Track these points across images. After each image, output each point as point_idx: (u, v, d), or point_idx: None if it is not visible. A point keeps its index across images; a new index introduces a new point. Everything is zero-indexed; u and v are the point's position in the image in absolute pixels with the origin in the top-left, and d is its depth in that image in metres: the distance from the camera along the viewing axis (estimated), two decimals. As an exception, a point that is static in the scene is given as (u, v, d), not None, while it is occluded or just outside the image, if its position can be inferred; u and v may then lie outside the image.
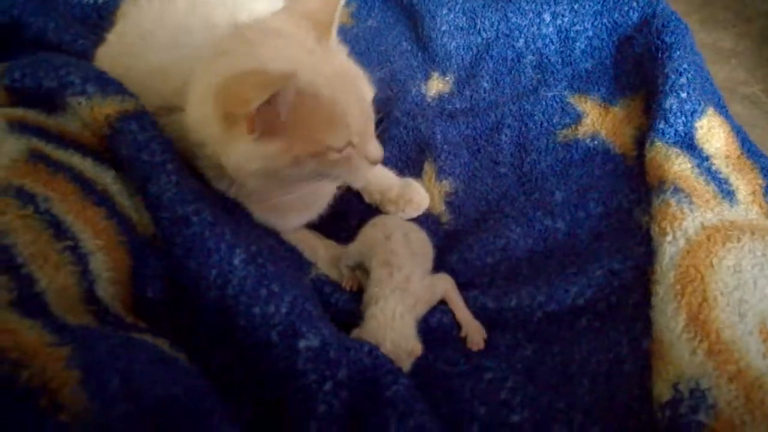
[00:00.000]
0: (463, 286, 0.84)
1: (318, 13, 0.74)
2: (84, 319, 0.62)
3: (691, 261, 0.73)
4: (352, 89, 0.73)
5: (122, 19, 1.03)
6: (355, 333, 0.76)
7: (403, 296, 0.77)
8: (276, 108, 0.65)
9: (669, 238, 0.76)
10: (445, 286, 0.82)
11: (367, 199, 0.98)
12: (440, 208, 0.96)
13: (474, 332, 0.79)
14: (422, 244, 0.86)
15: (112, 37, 1.00)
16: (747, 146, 0.92)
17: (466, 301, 0.81)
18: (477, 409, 0.73)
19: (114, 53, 0.97)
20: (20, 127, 0.74)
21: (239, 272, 0.69)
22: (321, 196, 0.91)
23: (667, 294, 0.72)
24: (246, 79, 0.66)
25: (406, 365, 0.74)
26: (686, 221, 0.77)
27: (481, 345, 0.78)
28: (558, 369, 0.75)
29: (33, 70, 0.79)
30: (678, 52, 0.98)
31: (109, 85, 0.79)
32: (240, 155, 0.70)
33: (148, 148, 0.73)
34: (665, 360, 0.68)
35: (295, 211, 0.90)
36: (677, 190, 0.81)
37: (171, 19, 0.94)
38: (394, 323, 0.75)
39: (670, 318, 0.70)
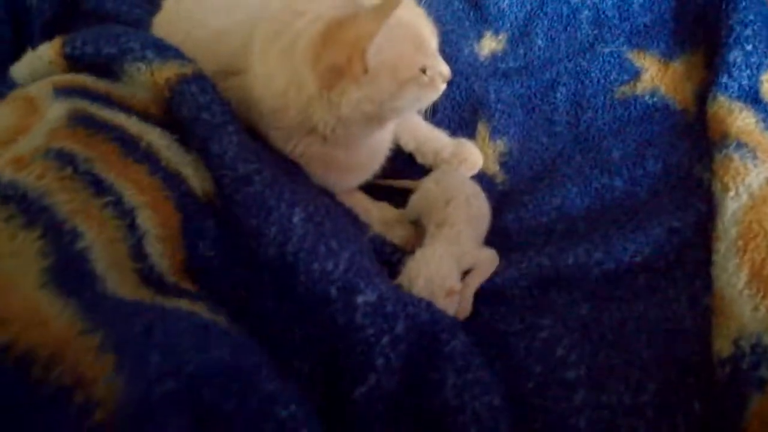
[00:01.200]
0: (519, 246, 0.85)
1: None
2: (128, 278, 0.62)
3: (754, 216, 0.72)
4: (418, 12, 0.78)
5: None
6: (398, 280, 0.77)
7: (449, 245, 0.78)
8: (380, 44, 0.68)
9: (731, 193, 0.74)
10: (488, 259, 0.82)
11: (419, 160, 0.99)
12: (494, 168, 0.96)
13: (464, 307, 0.79)
14: (481, 210, 0.87)
15: (168, 4, 1.02)
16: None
17: (522, 261, 0.81)
18: (532, 366, 0.73)
19: (171, 20, 0.99)
20: (65, 92, 0.75)
21: (299, 230, 0.71)
22: (377, 153, 0.92)
23: (729, 250, 0.70)
24: (348, 23, 0.68)
25: (443, 304, 0.74)
26: (750, 176, 0.75)
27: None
28: (615, 327, 0.74)
29: (93, 39, 0.82)
30: (743, 3, 0.94)
31: (167, 50, 0.81)
32: (351, 103, 0.73)
33: (209, 109, 0.75)
34: (726, 316, 0.67)
35: (352, 170, 0.91)
36: (741, 144, 0.79)
37: None
38: (431, 261, 0.76)
39: (732, 274, 0.68)
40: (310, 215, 0.73)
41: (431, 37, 0.78)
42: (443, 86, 0.80)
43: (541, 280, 0.79)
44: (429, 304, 0.72)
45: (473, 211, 0.84)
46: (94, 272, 0.57)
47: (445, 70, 0.79)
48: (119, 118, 0.74)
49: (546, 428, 0.69)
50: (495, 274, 0.81)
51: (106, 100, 0.76)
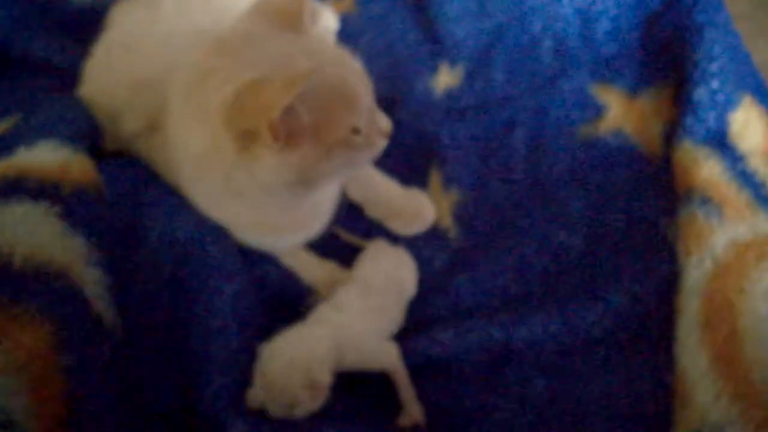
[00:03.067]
0: (470, 311, 0.80)
1: (285, 4, 0.71)
2: None
3: (718, 286, 0.66)
4: (352, 68, 0.72)
5: (108, 28, 0.98)
6: (259, 353, 0.71)
7: (336, 329, 0.73)
8: (296, 109, 0.63)
9: (694, 259, 0.69)
10: (390, 358, 0.75)
11: (368, 213, 0.93)
12: (448, 221, 0.90)
13: (415, 414, 0.72)
14: (392, 301, 0.81)
15: (97, 49, 0.95)
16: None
17: (472, 331, 0.75)
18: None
19: (99, 67, 0.94)
20: None
21: None
22: (323, 208, 0.86)
23: (691, 325, 0.65)
24: (259, 88, 0.63)
25: (300, 395, 0.66)
26: (714, 237, 0.70)
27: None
28: (572, 406, 0.70)
29: None
30: (710, 33, 0.88)
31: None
32: (267, 170, 0.67)
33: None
34: (687, 401, 0.62)
35: (292, 230, 0.85)
36: (706, 199, 0.73)
37: (156, 26, 0.90)
38: (303, 342, 0.70)
39: (695, 354, 0.64)
40: None
41: (365, 94, 0.71)
42: (383, 143, 0.74)
43: (492, 355, 0.75)
44: None
45: (374, 302, 0.78)
46: None
47: (384, 125, 0.73)
48: None
49: None
50: (443, 345, 0.75)
51: None
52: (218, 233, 0.80)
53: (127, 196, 0.81)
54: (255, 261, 0.83)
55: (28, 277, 0.63)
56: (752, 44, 1.05)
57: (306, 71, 0.61)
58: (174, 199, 0.81)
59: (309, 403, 0.66)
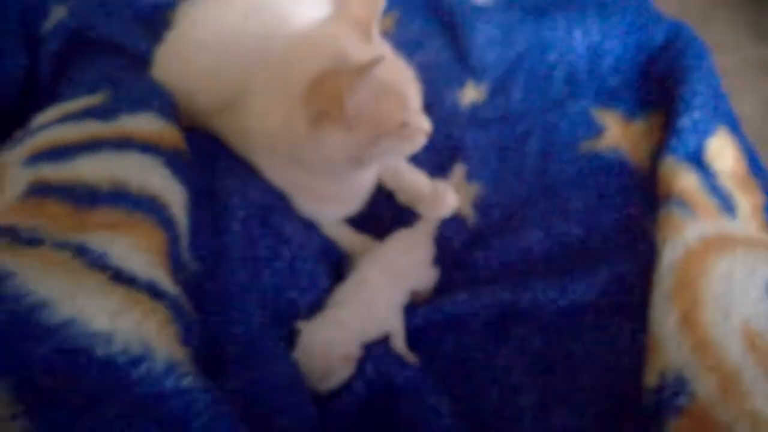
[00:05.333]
0: (484, 281, 0.95)
1: (361, 16, 0.85)
2: None
3: (687, 266, 0.82)
4: (407, 73, 0.86)
5: (181, 20, 1.12)
6: (300, 335, 0.81)
7: (358, 308, 0.85)
8: (362, 97, 0.76)
9: (669, 245, 0.85)
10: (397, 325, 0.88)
11: (399, 199, 1.08)
12: (468, 209, 1.06)
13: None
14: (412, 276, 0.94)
15: (170, 37, 1.08)
16: (754, 165, 1.00)
17: (484, 294, 0.90)
18: (490, 391, 0.84)
19: (172, 53, 1.06)
20: (34, 159, 0.77)
21: None
22: (361, 189, 1.01)
23: (664, 296, 0.81)
24: (332, 74, 0.76)
25: (337, 367, 0.79)
26: (686, 231, 0.86)
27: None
28: (563, 359, 0.85)
29: None
30: (695, 75, 1.05)
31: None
32: (331, 145, 0.81)
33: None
34: (656, 352, 0.77)
35: (338, 203, 1.01)
36: (681, 202, 0.89)
37: (227, 23, 1.02)
38: (330, 326, 0.82)
39: (665, 316, 0.79)
40: None
41: (416, 96, 0.85)
42: (423, 140, 0.88)
43: (501, 313, 0.89)
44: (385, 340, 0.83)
45: (392, 280, 0.91)
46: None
47: (426, 125, 0.87)
48: (81, 169, 0.75)
49: (498, 446, 0.79)
50: (459, 304, 0.90)
51: (87, 146, 0.79)
52: (282, 197, 0.95)
53: (204, 163, 0.94)
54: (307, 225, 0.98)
55: (143, 199, 0.74)
56: (740, 98, 1.21)
57: (372, 62, 0.73)
58: (244, 169, 0.95)
59: (343, 373, 0.79)
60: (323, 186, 0.96)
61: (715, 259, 0.82)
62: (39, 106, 0.99)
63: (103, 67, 1.16)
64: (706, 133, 0.99)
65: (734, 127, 1.03)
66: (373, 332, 0.85)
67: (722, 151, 0.99)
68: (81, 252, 0.63)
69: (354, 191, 1.01)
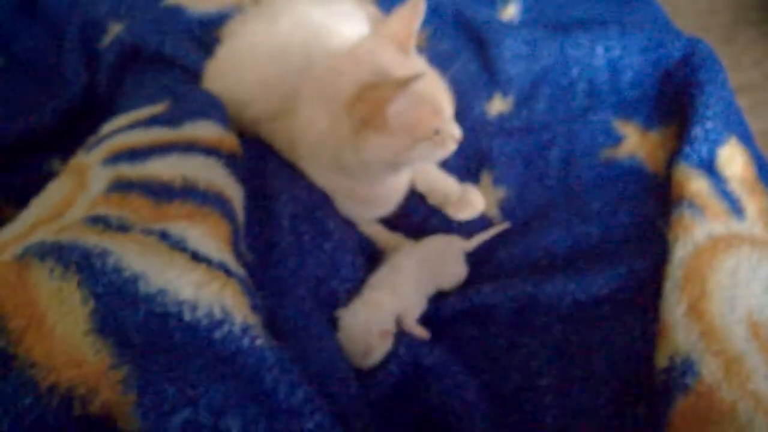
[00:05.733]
0: (507, 274, 1.03)
1: (399, 33, 0.93)
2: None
3: (696, 262, 0.89)
4: (440, 85, 0.94)
5: (230, 36, 1.23)
6: (341, 313, 0.90)
7: (390, 293, 0.93)
8: (401, 107, 0.84)
9: (680, 243, 0.92)
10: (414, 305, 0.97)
11: (430, 201, 1.16)
12: (494, 211, 1.14)
13: (419, 332, 0.93)
14: (439, 267, 1.03)
15: (221, 52, 1.19)
16: (764, 172, 1.06)
17: (508, 286, 0.97)
18: (512, 375, 0.91)
19: (224, 66, 1.17)
20: (112, 160, 0.86)
21: None
22: (396, 192, 1.10)
23: (674, 287, 0.88)
24: (377, 87, 0.85)
25: (377, 343, 0.87)
26: (696, 230, 0.93)
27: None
28: (581, 346, 0.92)
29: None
30: (709, 88, 1.12)
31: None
32: (371, 150, 0.89)
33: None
34: (666, 337, 0.84)
35: (374, 204, 1.10)
36: (692, 204, 0.96)
37: (274, 39, 1.11)
38: (367, 306, 0.90)
39: (674, 305, 0.86)
40: None
41: (448, 105, 0.93)
42: (454, 146, 0.95)
43: (523, 304, 0.96)
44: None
45: (422, 273, 0.99)
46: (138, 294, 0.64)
47: (457, 133, 0.94)
48: (155, 169, 0.84)
49: (520, 423, 0.87)
50: (484, 295, 0.98)
51: (158, 149, 0.88)
52: (325, 198, 1.04)
53: (254, 166, 1.03)
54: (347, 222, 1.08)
55: (210, 194, 0.83)
56: (759, 112, 1.26)
57: (412, 77, 0.81)
58: (291, 171, 1.05)
59: (382, 348, 0.87)
60: (362, 189, 1.05)
61: (723, 256, 0.90)
62: (96, 116, 1.10)
63: (159, 80, 1.28)
64: (717, 142, 1.05)
65: (745, 137, 1.09)
66: (399, 310, 0.92)
67: (732, 159, 1.05)
68: (164, 237, 0.72)
69: (389, 194, 1.10)
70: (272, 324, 0.79)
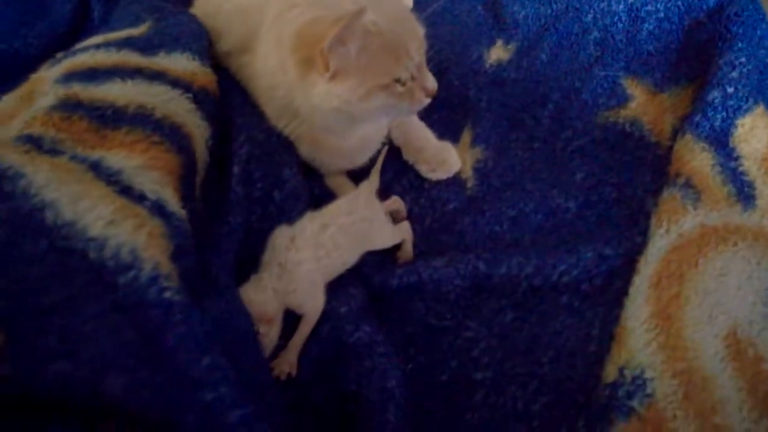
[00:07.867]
0: (466, 249, 0.90)
1: None
2: None
3: (675, 256, 0.74)
4: (409, 26, 0.83)
5: None
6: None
7: (276, 279, 0.78)
8: (347, 46, 0.75)
9: (662, 230, 0.77)
10: (313, 310, 0.79)
11: (405, 156, 1.04)
12: (468, 173, 1.00)
13: (289, 360, 0.77)
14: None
15: None
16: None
17: (461, 262, 0.85)
18: (450, 361, 0.80)
19: None
20: (67, 77, 0.82)
21: None
22: (366, 144, 0.98)
23: (643, 284, 0.74)
24: (318, 21, 0.76)
25: (260, 327, 0.75)
26: (685, 217, 0.77)
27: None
28: (529, 339, 0.80)
29: None
30: (740, 44, 0.94)
31: None
32: (317, 95, 0.80)
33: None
34: (621, 344, 0.71)
35: (340, 156, 0.98)
36: (688, 185, 0.80)
37: None
38: (251, 288, 0.77)
39: (639, 307, 0.72)
40: None
41: (415, 52, 0.80)
42: (426, 100, 0.84)
43: (474, 284, 0.84)
44: (348, 301, 0.80)
45: (329, 239, 0.82)
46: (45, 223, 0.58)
47: (430, 84, 0.83)
48: (110, 92, 0.79)
49: (444, 420, 0.76)
50: (435, 269, 0.85)
51: (120, 72, 0.83)
52: (287, 142, 0.94)
53: (223, 102, 0.94)
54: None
55: (165, 125, 0.77)
56: None
57: (353, 11, 0.71)
58: (254, 110, 0.95)
59: (267, 330, 0.75)
60: (327, 140, 0.94)
61: (712, 253, 0.75)
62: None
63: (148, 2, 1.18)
64: (738, 110, 0.89)
65: (777, 108, 0.91)
66: (288, 299, 0.79)
67: (754, 133, 0.88)
68: (95, 166, 0.66)
69: (358, 146, 0.98)
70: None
